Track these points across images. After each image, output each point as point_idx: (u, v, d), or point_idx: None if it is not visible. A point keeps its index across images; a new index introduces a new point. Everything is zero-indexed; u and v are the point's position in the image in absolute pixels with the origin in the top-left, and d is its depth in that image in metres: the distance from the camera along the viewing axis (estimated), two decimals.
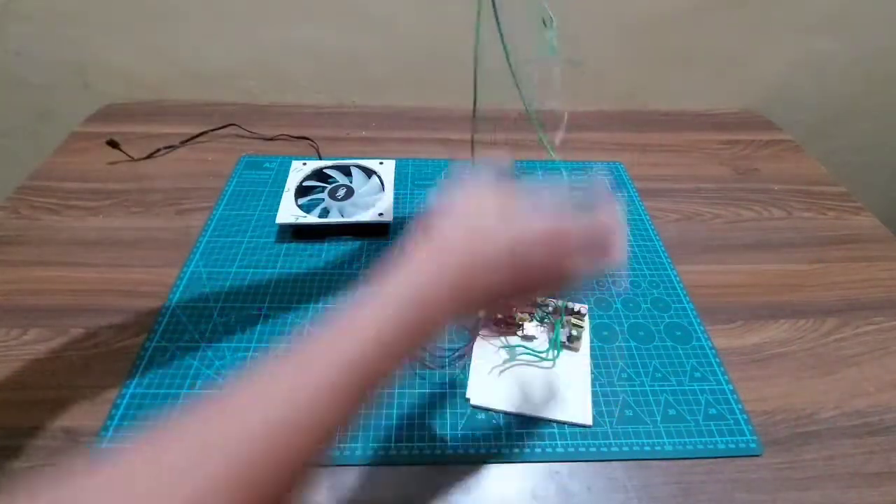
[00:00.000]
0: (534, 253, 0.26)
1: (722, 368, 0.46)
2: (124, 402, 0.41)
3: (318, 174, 0.62)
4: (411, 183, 0.65)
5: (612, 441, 0.40)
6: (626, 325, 0.49)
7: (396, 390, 0.43)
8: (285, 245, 0.56)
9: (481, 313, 0.34)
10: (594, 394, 0.43)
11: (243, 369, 0.22)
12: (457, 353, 0.46)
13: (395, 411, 0.42)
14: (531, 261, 0.26)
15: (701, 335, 0.48)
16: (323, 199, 0.59)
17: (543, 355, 0.45)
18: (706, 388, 0.44)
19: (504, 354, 0.45)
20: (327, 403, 0.22)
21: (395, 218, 0.55)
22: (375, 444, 0.39)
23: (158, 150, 0.68)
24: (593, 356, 0.46)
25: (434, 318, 0.25)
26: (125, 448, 0.20)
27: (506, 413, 0.42)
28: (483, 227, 0.27)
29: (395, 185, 0.60)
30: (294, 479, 0.21)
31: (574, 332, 0.46)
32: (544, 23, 0.34)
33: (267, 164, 0.67)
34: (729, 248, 0.59)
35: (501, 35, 0.32)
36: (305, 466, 0.22)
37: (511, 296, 0.28)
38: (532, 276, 0.27)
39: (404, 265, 0.26)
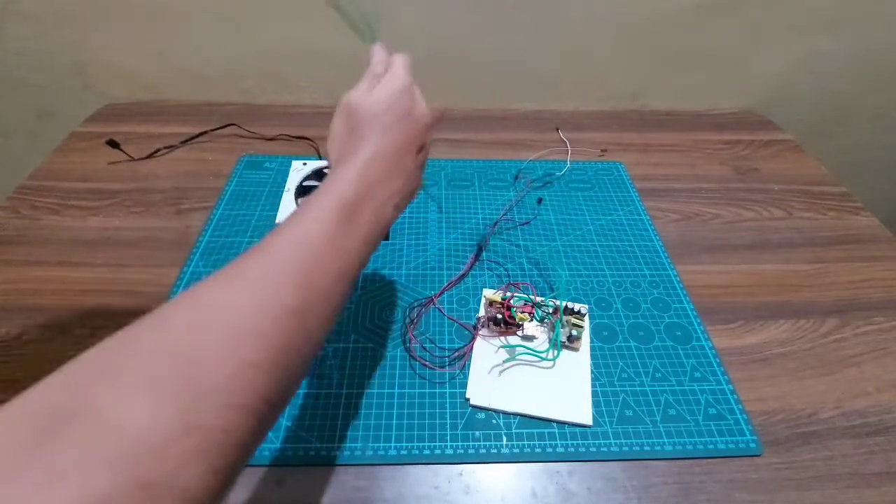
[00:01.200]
0: (405, 98, 0.34)
1: (722, 368, 0.46)
2: None
3: (318, 174, 0.62)
4: None
5: (612, 441, 0.40)
6: (626, 325, 0.49)
7: (396, 390, 0.43)
8: None
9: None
10: (594, 394, 0.43)
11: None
12: (457, 353, 0.46)
13: (395, 411, 0.42)
14: (408, 105, 0.34)
15: (701, 335, 0.48)
16: None
17: (543, 355, 0.45)
18: (706, 388, 0.44)
19: (504, 354, 0.45)
20: (332, 233, 0.27)
21: None
22: (375, 444, 0.39)
23: (158, 150, 0.68)
24: (593, 356, 0.46)
25: (389, 173, 0.32)
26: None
27: (506, 413, 0.42)
28: (358, 117, 0.34)
29: None
30: (339, 285, 0.27)
31: (574, 332, 0.46)
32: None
33: (267, 164, 0.67)
34: (729, 248, 0.59)
35: None
36: (341, 279, 0.27)
37: (418, 137, 0.35)
38: (416, 115, 0.35)
39: (341, 162, 0.32)
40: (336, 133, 0.34)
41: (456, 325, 0.48)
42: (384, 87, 0.34)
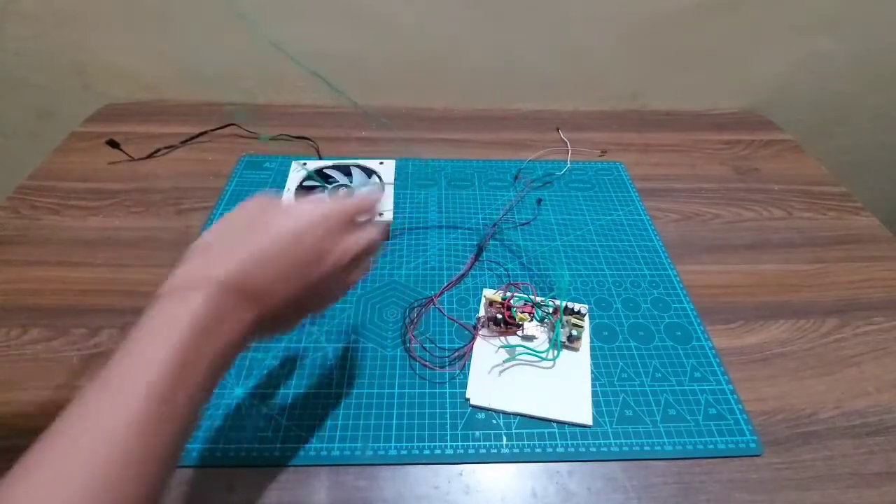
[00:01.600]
0: (315, 233, 0.26)
1: (722, 368, 0.46)
2: None
3: (319, 174, 0.62)
4: (411, 183, 0.65)
5: (612, 441, 0.40)
6: (626, 325, 0.49)
7: (396, 390, 0.43)
8: None
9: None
10: (594, 394, 0.43)
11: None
12: (457, 353, 0.46)
13: (395, 411, 0.42)
14: (313, 242, 0.26)
15: (701, 335, 0.48)
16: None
17: (543, 355, 0.45)
18: (706, 388, 0.44)
19: (504, 354, 0.45)
20: (140, 434, 0.22)
21: (395, 218, 0.56)
22: (375, 444, 0.39)
23: (158, 150, 0.68)
24: (593, 356, 0.46)
25: (230, 330, 0.25)
26: None
27: (505, 413, 0.42)
28: (257, 225, 0.26)
29: (395, 184, 0.60)
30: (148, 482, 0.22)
31: (574, 332, 0.46)
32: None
33: (267, 164, 0.67)
34: (729, 248, 0.59)
35: None
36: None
37: (311, 292, 0.27)
38: (322, 257, 0.27)
39: (179, 288, 0.25)
40: (211, 233, 0.27)
41: (456, 325, 0.48)
42: (307, 208, 0.27)
